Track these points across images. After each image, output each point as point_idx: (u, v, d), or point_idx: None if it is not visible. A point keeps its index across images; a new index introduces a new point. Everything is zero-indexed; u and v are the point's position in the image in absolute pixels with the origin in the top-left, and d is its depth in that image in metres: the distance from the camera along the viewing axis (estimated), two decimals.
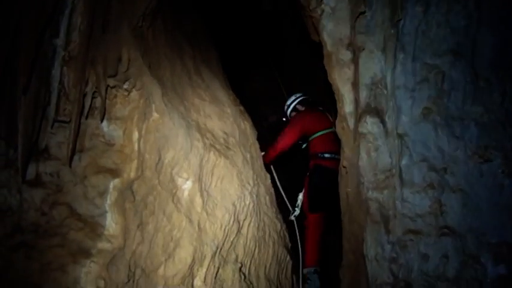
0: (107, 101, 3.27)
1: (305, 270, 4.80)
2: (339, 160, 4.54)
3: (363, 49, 3.24)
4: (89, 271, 3.12)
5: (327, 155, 4.91)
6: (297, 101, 5.39)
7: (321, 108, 5.23)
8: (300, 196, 5.05)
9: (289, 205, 5.16)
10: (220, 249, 3.65)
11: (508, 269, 2.86)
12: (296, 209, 5.02)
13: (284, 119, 5.52)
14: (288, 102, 5.44)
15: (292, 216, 5.01)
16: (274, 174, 5.26)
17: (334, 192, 4.57)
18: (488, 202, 2.93)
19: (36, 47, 2.89)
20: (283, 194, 5.27)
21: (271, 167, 5.23)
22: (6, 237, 3.05)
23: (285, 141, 5.00)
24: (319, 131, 5.00)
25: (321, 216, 4.97)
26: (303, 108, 5.31)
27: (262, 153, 4.82)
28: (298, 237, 4.91)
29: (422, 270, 2.98)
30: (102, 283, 3.11)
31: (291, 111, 5.39)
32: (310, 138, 5.06)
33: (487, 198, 2.94)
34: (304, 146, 5.31)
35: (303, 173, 5.18)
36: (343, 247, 3.67)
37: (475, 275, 2.89)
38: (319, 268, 4.86)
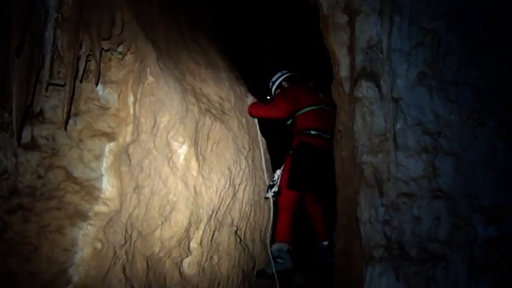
0: (102, 64, 3.24)
1: (275, 246, 4.29)
2: (325, 139, 4.43)
3: (360, 12, 3.20)
4: (86, 233, 3.16)
5: (313, 132, 4.53)
6: (282, 77, 4.99)
7: (311, 84, 4.88)
8: (278, 172, 4.56)
9: (266, 179, 4.60)
10: (216, 212, 3.70)
11: (499, 231, 2.89)
12: (274, 184, 4.48)
13: (268, 97, 5.15)
14: (273, 79, 5.03)
15: (270, 193, 4.46)
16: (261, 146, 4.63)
17: (318, 172, 4.42)
18: (481, 165, 2.94)
19: (28, 8, 2.85)
20: (263, 164, 4.62)
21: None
22: (3, 200, 3.08)
23: (278, 109, 4.52)
24: (309, 105, 4.61)
25: (297, 195, 4.50)
26: (287, 86, 4.91)
27: (254, 102, 4.46)
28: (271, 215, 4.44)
29: (414, 232, 3.00)
30: (99, 245, 3.16)
31: (276, 88, 4.99)
32: (297, 114, 4.62)
33: (480, 162, 2.95)
34: (289, 122, 4.79)
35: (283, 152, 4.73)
36: (337, 210, 3.71)
37: (466, 236, 2.92)
38: (292, 247, 4.40)
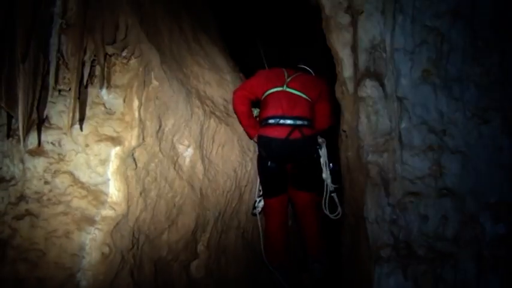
0: (106, 69, 3.25)
1: (271, 266, 3.99)
2: (285, 125, 3.82)
3: (362, 12, 3.21)
4: (93, 238, 3.15)
5: (271, 121, 3.83)
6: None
7: (279, 68, 4.16)
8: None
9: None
10: (223, 215, 3.70)
11: (507, 228, 2.89)
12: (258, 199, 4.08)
13: None
14: None
15: (255, 205, 4.04)
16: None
17: (292, 165, 4.01)
18: (487, 163, 2.95)
19: (33, 15, 2.87)
20: None
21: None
22: (11, 206, 3.08)
23: (233, 103, 3.91)
24: (267, 90, 3.93)
25: (281, 200, 3.98)
26: None
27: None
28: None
29: (422, 231, 3.01)
30: (107, 249, 3.16)
31: None
32: (261, 101, 4.02)
33: (486, 159, 2.95)
34: (256, 111, 4.21)
35: None
36: (344, 210, 3.72)
37: (474, 234, 2.92)
38: (285, 262, 4.05)
